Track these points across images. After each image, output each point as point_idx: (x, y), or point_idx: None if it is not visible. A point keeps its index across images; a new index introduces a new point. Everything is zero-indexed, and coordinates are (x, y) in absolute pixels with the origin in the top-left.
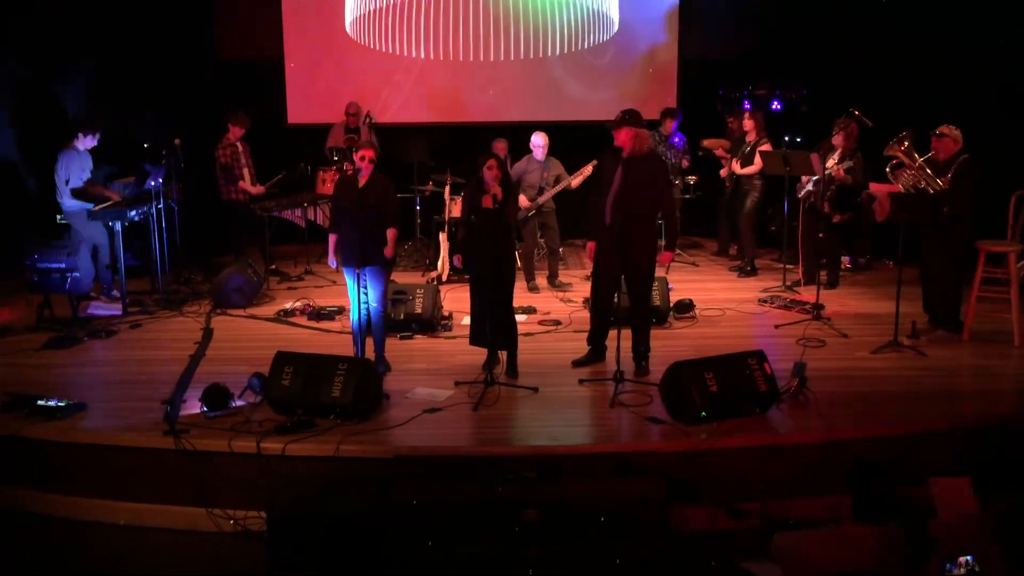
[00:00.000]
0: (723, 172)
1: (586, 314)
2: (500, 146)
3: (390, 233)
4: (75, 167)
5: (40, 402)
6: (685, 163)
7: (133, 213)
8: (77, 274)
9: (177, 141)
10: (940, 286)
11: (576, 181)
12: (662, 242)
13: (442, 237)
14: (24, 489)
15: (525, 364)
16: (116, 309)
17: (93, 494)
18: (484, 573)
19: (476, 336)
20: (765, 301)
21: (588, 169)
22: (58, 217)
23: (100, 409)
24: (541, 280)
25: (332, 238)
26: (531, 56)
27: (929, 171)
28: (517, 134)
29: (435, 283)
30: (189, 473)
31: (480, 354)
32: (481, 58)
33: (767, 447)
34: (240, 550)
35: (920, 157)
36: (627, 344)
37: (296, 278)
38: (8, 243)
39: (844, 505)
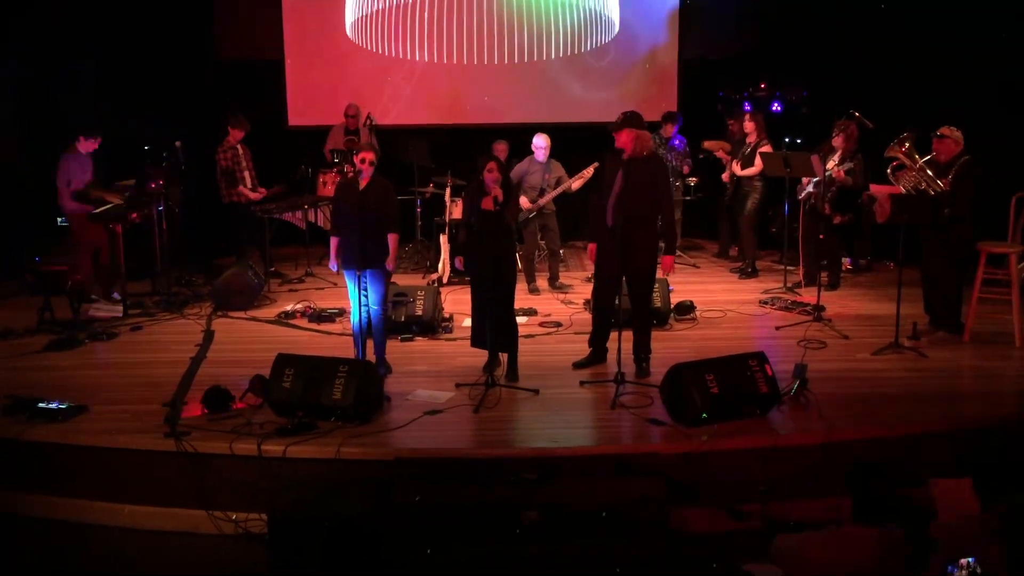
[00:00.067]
0: (725, 176)
1: (587, 316)
2: (500, 148)
3: (391, 239)
4: (76, 170)
5: (41, 404)
6: (686, 169)
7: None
8: (78, 276)
9: (178, 143)
10: (941, 287)
11: (576, 184)
12: (662, 244)
13: (443, 239)
14: (25, 491)
15: (526, 366)
16: (117, 311)
17: (94, 496)
18: (484, 574)
19: (477, 338)
20: (766, 303)
21: (588, 172)
22: (59, 220)
23: (101, 412)
24: (542, 282)
25: (333, 242)
26: (532, 59)
27: (930, 172)
28: (518, 136)
29: (436, 285)
30: (190, 475)
31: (481, 356)
32: (485, 62)
33: (768, 448)
34: (241, 552)
35: (921, 158)
36: (628, 346)
37: (297, 280)
38: (9, 245)
39: (845, 506)
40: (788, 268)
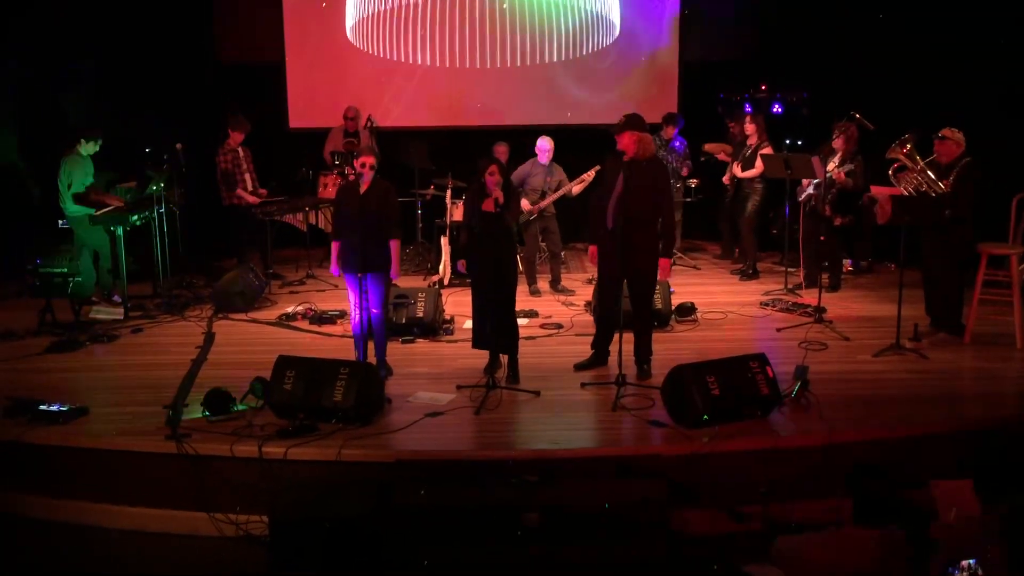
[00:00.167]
0: (726, 178)
1: (588, 318)
2: (501, 150)
3: (393, 246)
4: (77, 172)
5: (42, 407)
6: (685, 170)
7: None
8: (79, 279)
9: (179, 145)
10: (942, 289)
11: (577, 188)
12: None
13: (443, 241)
14: (25, 493)
15: (527, 368)
16: (118, 314)
17: (95, 498)
18: (485, 574)
19: (478, 340)
20: (767, 304)
21: (589, 175)
22: (60, 222)
23: (102, 414)
24: (543, 284)
25: (335, 246)
26: (534, 61)
27: (931, 174)
28: (518, 138)
29: (437, 287)
30: (191, 477)
31: (482, 358)
32: (488, 65)
33: (769, 450)
34: (242, 554)
35: (922, 160)
36: (629, 348)
37: (297, 282)
38: (10, 247)
39: (845, 508)
40: (789, 270)
